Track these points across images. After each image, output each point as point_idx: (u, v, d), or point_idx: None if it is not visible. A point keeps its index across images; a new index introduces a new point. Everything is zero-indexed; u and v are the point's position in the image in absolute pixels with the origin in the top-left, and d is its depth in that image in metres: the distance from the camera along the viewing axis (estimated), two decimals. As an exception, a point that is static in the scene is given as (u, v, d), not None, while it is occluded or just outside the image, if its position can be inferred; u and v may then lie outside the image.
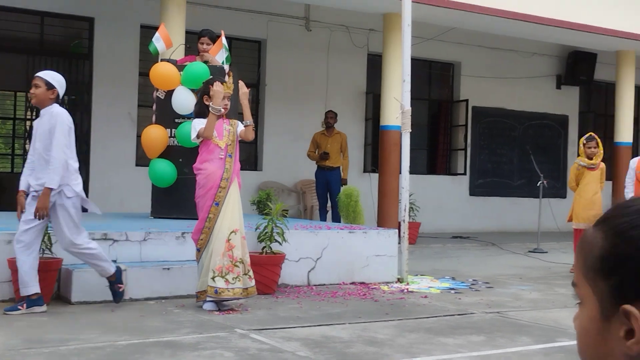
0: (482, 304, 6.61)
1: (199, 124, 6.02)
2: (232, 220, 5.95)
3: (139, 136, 9.63)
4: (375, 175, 11.84)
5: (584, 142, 9.14)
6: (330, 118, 11.84)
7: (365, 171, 13.36)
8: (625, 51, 13.44)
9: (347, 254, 7.59)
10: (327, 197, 11.86)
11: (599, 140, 9.18)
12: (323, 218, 11.89)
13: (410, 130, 7.98)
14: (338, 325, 5.45)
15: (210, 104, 5.98)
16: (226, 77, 7.34)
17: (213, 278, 5.83)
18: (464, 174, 14.48)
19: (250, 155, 12.58)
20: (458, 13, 10.94)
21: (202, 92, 6.18)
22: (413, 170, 12.26)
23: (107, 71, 11.07)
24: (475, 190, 14.64)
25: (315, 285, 7.29)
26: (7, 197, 10.29)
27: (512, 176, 15.07)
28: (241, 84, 6.21)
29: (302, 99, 12.76)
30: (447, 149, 14.75)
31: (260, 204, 10.13)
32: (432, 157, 14.88)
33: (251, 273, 6.02)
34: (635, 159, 9.08)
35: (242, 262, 5.94)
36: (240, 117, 6.40)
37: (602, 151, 9.17)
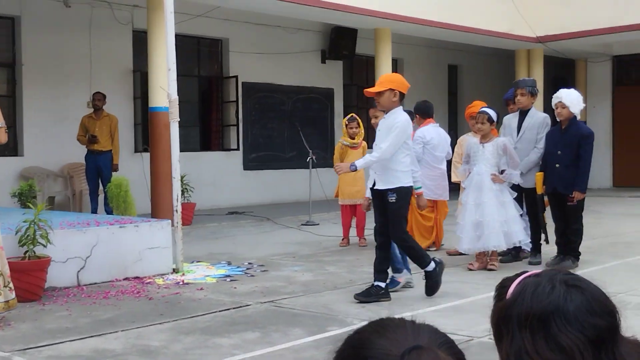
0: (257, 292, 6.75)
1: (-58, 128, 5.47)
2: (-12, 230, 5.53)
3: None
4: (147, 155, 11.59)
5: (346, 122, 9.59)
6: (97, 100, 11.35)
7: (136, 151, 13.02)
8: (382, 28, 14.27)
9: (119, 249, 7.37)
10: (98, 181, 11.44)
11: (359, 120, 9.69)
12: (94, 203, 11.46)
13: (179, 119, 7.85)
14: (110, 334, 5.29)
15: (-45, 105, 5.46)
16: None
17: (-31, 294, 5.39)
18: (237, 149, 14.65)
19: (9, 139, 11.68)
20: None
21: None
22: (186, 148, 12.20)
23: None
24: (249, 164, 14.88)
25: (86, 285, 7.00)
26: None
27: (283, 149, 15.49)
28: (-10, 82, 5.73)
29: (64, 78, 12.09)
30: (219, 124, 14.79)
31: (22, 196, 9.54)
32: (205, 134, 14.85)
33: (11, 285, 5.65)
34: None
35: (1, 275, 5.56)
36: None
37: (363, 130, 9.70)
